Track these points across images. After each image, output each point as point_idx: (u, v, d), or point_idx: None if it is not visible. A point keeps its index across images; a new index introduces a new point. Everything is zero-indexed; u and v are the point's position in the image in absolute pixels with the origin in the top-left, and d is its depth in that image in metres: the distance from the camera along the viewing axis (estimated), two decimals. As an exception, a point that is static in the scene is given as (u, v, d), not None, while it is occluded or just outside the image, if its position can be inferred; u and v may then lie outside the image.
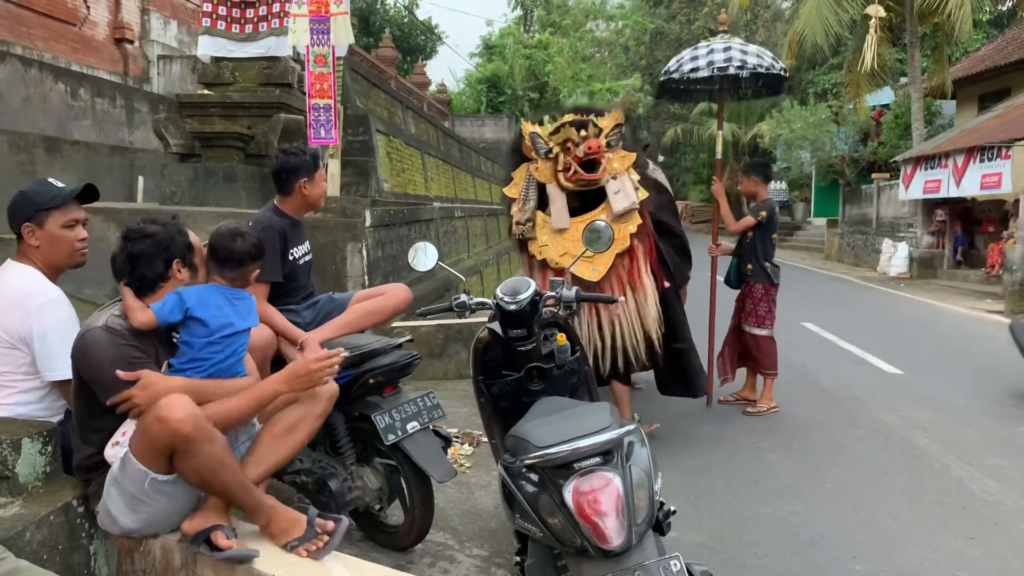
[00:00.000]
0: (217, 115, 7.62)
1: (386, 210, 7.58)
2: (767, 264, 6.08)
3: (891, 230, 19.58)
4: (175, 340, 2.61)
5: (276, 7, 7.79)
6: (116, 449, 2.44)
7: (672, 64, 6.01)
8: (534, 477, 2.30)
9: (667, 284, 5.21)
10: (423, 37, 36.30)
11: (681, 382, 5.50)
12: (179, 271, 2.60)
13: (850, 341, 9.10)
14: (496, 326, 3.14)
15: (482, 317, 3.92)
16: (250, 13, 7.96)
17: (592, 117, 4.90)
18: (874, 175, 22.01)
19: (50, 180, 2.83)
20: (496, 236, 16.65)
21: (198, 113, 7.61)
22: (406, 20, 35.51)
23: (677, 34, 37.37)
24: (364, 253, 6.56)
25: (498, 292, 3.06)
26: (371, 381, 3.23)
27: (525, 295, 2.98)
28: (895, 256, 18.03)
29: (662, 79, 6.20)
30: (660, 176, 6.12)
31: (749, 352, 6.23)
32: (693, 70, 5.76)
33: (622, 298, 4.66)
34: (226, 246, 2.67)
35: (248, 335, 2.75)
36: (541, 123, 5.00)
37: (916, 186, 17.31)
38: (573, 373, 3.21)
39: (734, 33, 6.51)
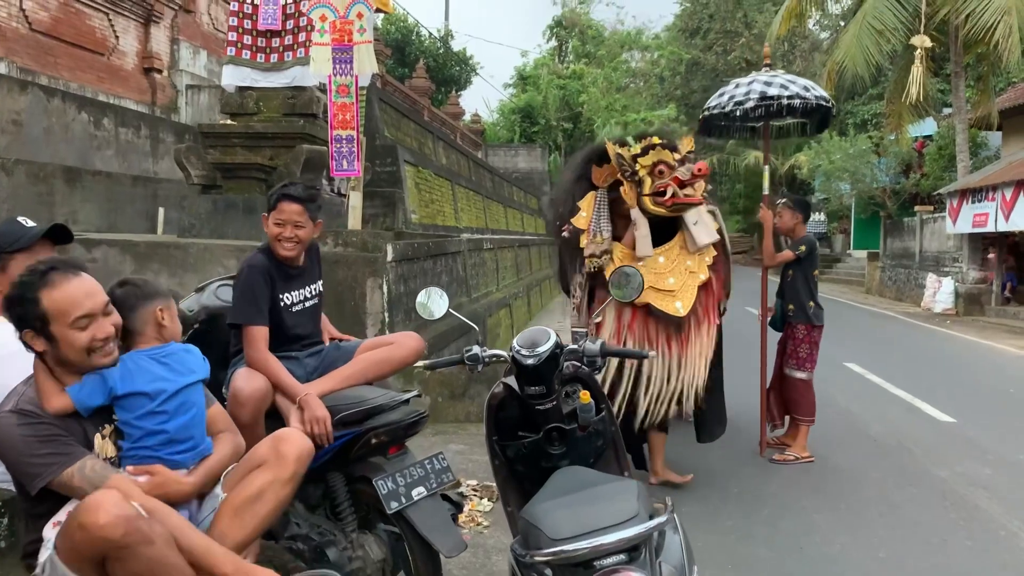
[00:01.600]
0: (240, 145, 7.45)
1: (410, 243, 7.31)
2: (810, 304, 5.75)
3: (935, 264, 18.94)
4: (116, 425, 2.32)
5: (302, 36, 7.65)
6: (53, 531, 2.12)
7: (714, 99, 5.78)
8: (548, 573, 1.97)
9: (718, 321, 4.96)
10: (457, 68, 36.31)
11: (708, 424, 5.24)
12: (34, 341, 2.18)
13: (897, 384, 8.61)
14: (512, 381, 2.82)
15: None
16: (276, 42, 7.83)
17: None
18: (917, 207, 21.43)
19: (19, 219, 2.58)
20: (527, 268, 16.36)
21: (220, 143, 7.44)
22: (441, 51, 35.59)
23: (713, 64, 37.02)
24: (385, 289, 6.28)
25: (514, 344, 2.74)
26: (374, 441, 2.93)
27: (544, 347, 2.65)
28: (940, 291, 17.40)
29: (704, 115, 5.92)
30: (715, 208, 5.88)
31: (788, 395, 5.91)
32: (738, 103, 5.48)
33: (653, 352, 4.34)
34: (111, 298, 2.33)
35: (199, 389, 2.45)
36: (623, 144, 4.79)
37: (964, 219, 16.73)
38: (598, 435, 2.87)
39: (771, 63, 6.19)
